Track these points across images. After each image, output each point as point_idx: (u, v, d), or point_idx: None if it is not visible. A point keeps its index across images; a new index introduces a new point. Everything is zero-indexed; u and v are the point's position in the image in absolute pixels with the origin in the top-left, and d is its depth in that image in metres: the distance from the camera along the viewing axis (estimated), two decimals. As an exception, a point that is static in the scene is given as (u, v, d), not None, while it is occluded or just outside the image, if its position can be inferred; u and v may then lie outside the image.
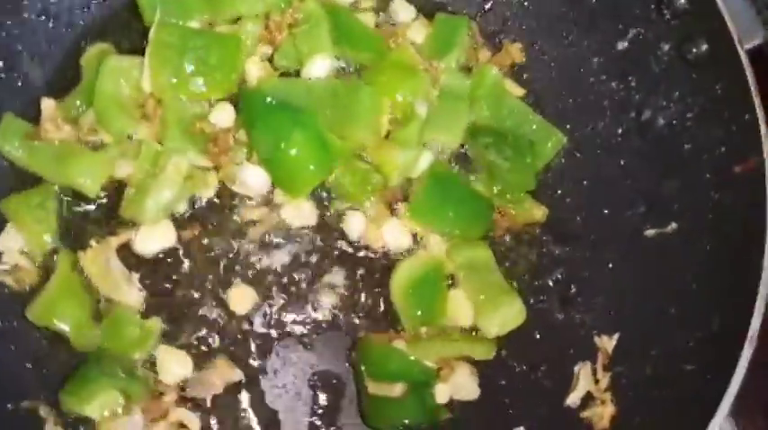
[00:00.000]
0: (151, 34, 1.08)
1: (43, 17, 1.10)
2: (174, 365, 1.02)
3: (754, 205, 0.94)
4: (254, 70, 1.12)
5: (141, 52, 1.08)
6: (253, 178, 1.09)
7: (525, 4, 1.21)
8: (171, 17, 1.11)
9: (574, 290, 1.11)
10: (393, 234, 1.09)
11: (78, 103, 1.09)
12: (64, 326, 0.99)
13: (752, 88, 0.97)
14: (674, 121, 1.06)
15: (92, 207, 1.06)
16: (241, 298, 1.05)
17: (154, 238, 1.05)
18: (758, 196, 0.94)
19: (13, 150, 1.04)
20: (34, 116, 1.07)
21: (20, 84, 1.08)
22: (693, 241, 1.02)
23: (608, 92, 1.15)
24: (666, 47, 1.07)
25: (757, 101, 0.97)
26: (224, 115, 1.10)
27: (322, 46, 1.13)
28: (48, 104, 1.08)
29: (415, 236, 1.10)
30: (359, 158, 1.13)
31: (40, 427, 0.96)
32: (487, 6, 1.24)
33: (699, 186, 1.02)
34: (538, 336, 1.08)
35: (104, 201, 1.06)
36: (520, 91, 1.21)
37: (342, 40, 1.15)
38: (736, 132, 0.98)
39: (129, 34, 1.14)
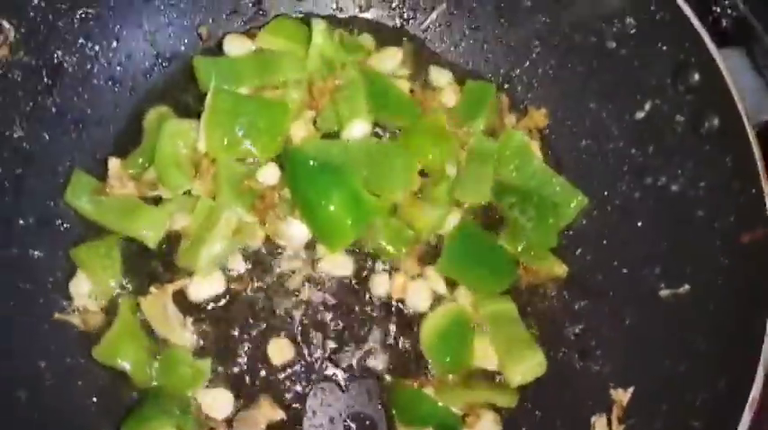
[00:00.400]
0: (207, 100, 1.19)
1: (110, 83, 1.21)
2: (220, 403, 1.11)
3: (761, 273, 1.01)
4: (299, 133, 1.23)
5: (196, 114, 1.19)
6: (295, 232, 1.19)
7: (550, 72, 1.30)
8: (224, 83, 1.22)
9: (593, 343, 1.18)
10: (415, 293, 1.18)
11: (140, 160, 1.19)
12: (125, 365, 1.08)
13: (758, 163, 1.05)
14: (688, 189, 1.13)
15: (152, 256, 1.16)
16: (280, 351, 1.15)
17: (205, 286, 1.14)
18: (764, 265, 1.02)
19: (83, 204, 1.15)
20: (100, 173, 1.17)
21: (88, 144, 1.18)
22: (704, 303, 1.08)
23: (626, 157, 1.22)
24: (681, 119, 1.14)
25: (763, 175, 1.04)
26: (270, 174, 1.20)
27: (360, 110, 1.23)
28: (114, 163, 1.19)
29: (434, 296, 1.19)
30: (393, 216, 1.22)
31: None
32: (514, 75, 1.33)
33: (710, 252, 1.09)
34: (558, 387, 1.15)
35: (163, 250, 1.16)
36: (542, 154, 1.30)
37: (378, 105, 1.25)
38: (744, 203, 1.05)
39: (186, 97, 1.25)
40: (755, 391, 0.92)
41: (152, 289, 1.13)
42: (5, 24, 1.04)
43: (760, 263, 1.02)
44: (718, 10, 1.16)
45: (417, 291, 1.18)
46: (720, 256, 1.08)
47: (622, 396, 1.12)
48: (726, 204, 1.08)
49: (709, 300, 1.08)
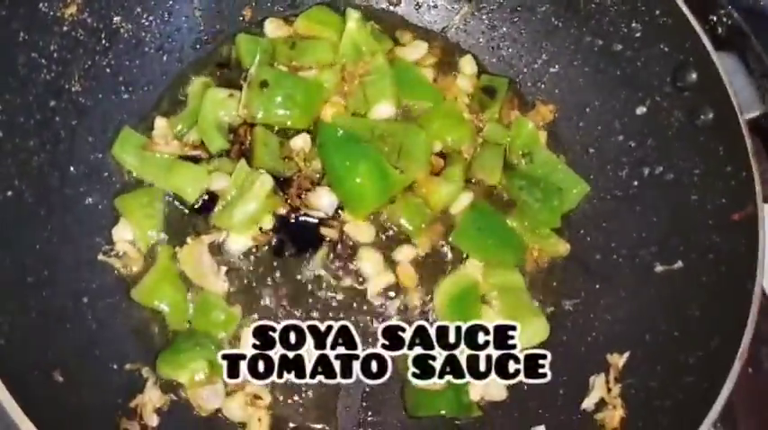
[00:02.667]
0: (251, 72, 1.29)
1: (160, 52, 1.31)
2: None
3: (749, 246, 1.12)
4: (330, 110, 1.33)
5: (236, 86, 1.30)
6: (323, 199, 1.27)
7: (558, 71, 1.41)
8: (263, 60, 1.32)
9: (591, 315, 1.27)
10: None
11: (183, 124, 1.29)
12: (163, 306, 1.16)
13: (749, 151, 1.17)
14: (684, 177, 1.24)
15: (190, 212, 1.24)
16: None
17: (239, 241, 1.23)
18: (752, 240, 1.12)
19: (129, 158, 1.24)
20: (146, 133, 1.26)
21: (136, 105, 1.28)
22: (696, 276, 1.18)
23: (627, 149, 1.32)
24: (679, 114, 1.25)
25: (754, 161, 1.16)
26: (302, 141, 1.30)
27: (386, 94, 1.34)
28: (160, 122, 1.28)
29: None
30: (411, 193, 1.32)
31: (142, 384, 1.12)
32: (525, 71, 1.44)
33: (702, 231, 1.19)
34: (560, 350, 1.23)
35: (201, 206, 1.24)
36: (548, 144, 1.41)
37: (404, 90, 1.36)
38: (735, 186, 1.15)
39: (227, 71, 1.35)
40: (745, 344, 1.02)
41: (189, 239, 1.21)
42: (75, -16, 1.14)
43: (748, 237, 1.13)
44: (715, 18, 1.29)
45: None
46: (712, 235, 1.18)
47: (618, 360, 1.21)
48: (718, 188, 1.18)
49: (701, 274, 1.17)
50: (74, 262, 1.14)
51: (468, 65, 1.44)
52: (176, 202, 1.24)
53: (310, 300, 1.23)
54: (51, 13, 1.12)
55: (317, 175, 1.29)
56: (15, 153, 1.09)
